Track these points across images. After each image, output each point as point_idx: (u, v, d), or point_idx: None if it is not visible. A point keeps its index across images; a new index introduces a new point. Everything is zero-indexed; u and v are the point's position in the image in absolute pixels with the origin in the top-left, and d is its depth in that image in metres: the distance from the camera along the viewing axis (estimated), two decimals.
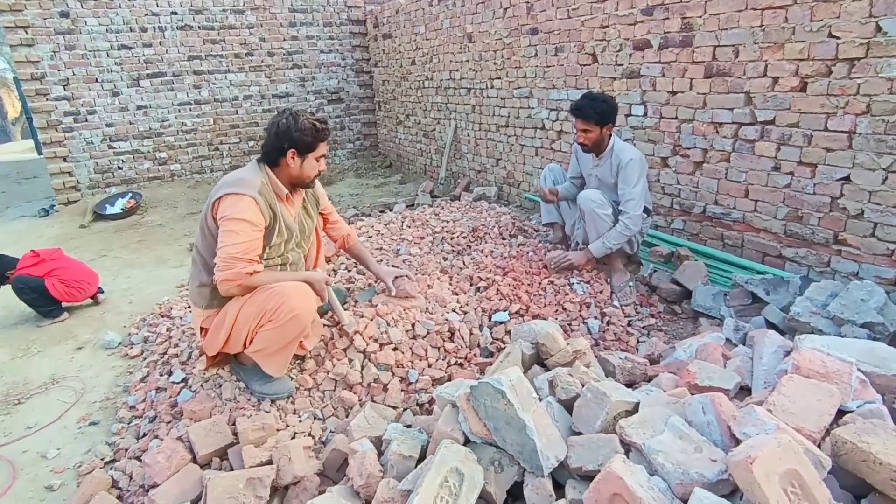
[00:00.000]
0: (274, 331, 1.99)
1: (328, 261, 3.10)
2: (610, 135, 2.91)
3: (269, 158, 2.10)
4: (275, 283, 2.01)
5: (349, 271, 2.96)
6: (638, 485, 1.19)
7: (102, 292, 3.63)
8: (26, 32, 5.81)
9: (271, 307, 1.96)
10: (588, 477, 1.35)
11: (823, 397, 1.43)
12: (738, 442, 1.31)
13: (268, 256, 2.12)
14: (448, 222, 3.70)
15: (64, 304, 3.39)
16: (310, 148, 2.08)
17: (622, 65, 3.57)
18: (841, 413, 1.46)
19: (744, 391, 1.76)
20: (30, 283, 3.25)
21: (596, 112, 2.78)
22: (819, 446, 1.35)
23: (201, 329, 2.18)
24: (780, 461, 1.13)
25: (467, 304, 2.63)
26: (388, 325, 2.38)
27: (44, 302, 3.30)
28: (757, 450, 1.14)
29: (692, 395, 1.55)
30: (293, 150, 2.06)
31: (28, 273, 3.27)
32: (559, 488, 1.44)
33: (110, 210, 5.97)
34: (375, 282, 2.70)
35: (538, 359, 2.02)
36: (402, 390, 2.19)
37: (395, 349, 2.30)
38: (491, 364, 2.14)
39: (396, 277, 2.58)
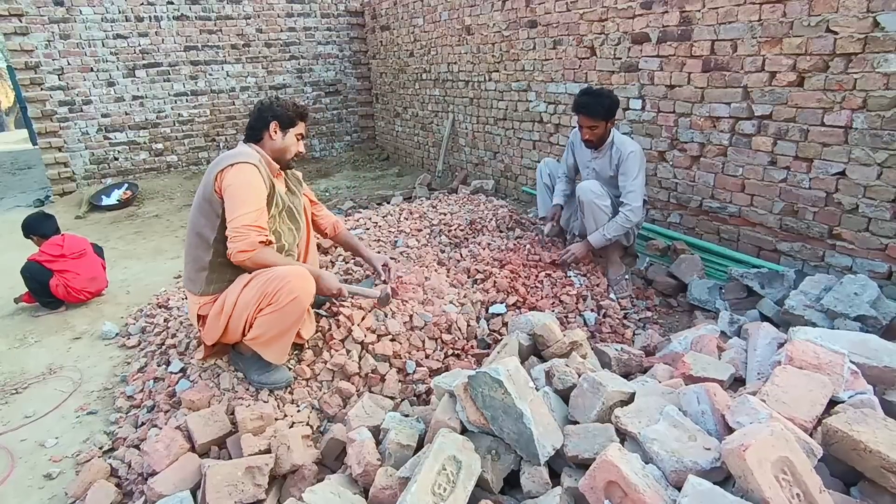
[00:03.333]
0: (273, 315, 1.99)
1: (326, 252, 3.10)
2: (611, 128, 2.92)
3: (253, 135, 2.19)
4: (276, 267, 2.00)
5: (346, 262, 2.97)
6: (633, 472, 1.21)
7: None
8: (20, 21, 5.74)
9: (271, 290, 1.96)
10: (584, 465, 1.37)
11: (816, 388, 1.46)
12: (731, 431, 1.33)
13: None
14: (446, 215, 3.70)
15: None
16: (291, 122, 2.20)
17: (620, 58, 3.57)
18: (833, 403, 1.48)
19: (738, 382, 1.79)
20: (38, 274, 3.24)
21: (603, 108, 2.80)
22: (811, 435, 1.37)
23: (199, 317, 2.17)
24: (772, 449, 1.15)
25: (465, 296, 2.64)
26: (386, 316, 2.39)
27: (44, 294, 3.29)
28: (750, 438, 1.16)
29: (687, 385, 1.57)
30: (276, 121, 2.16)
31: (42, 263, 3.26)
32: (555, 476, 1.46)
33: (106, 201, 5.95)
34: (373, 273, 2.71)
35: (535, 350, 2.04)
36: (399, 381, 2.20)
37: (392, 340, 2.32)
38: (488, 355, 2.16)
39: (384, 264, 2.60)
